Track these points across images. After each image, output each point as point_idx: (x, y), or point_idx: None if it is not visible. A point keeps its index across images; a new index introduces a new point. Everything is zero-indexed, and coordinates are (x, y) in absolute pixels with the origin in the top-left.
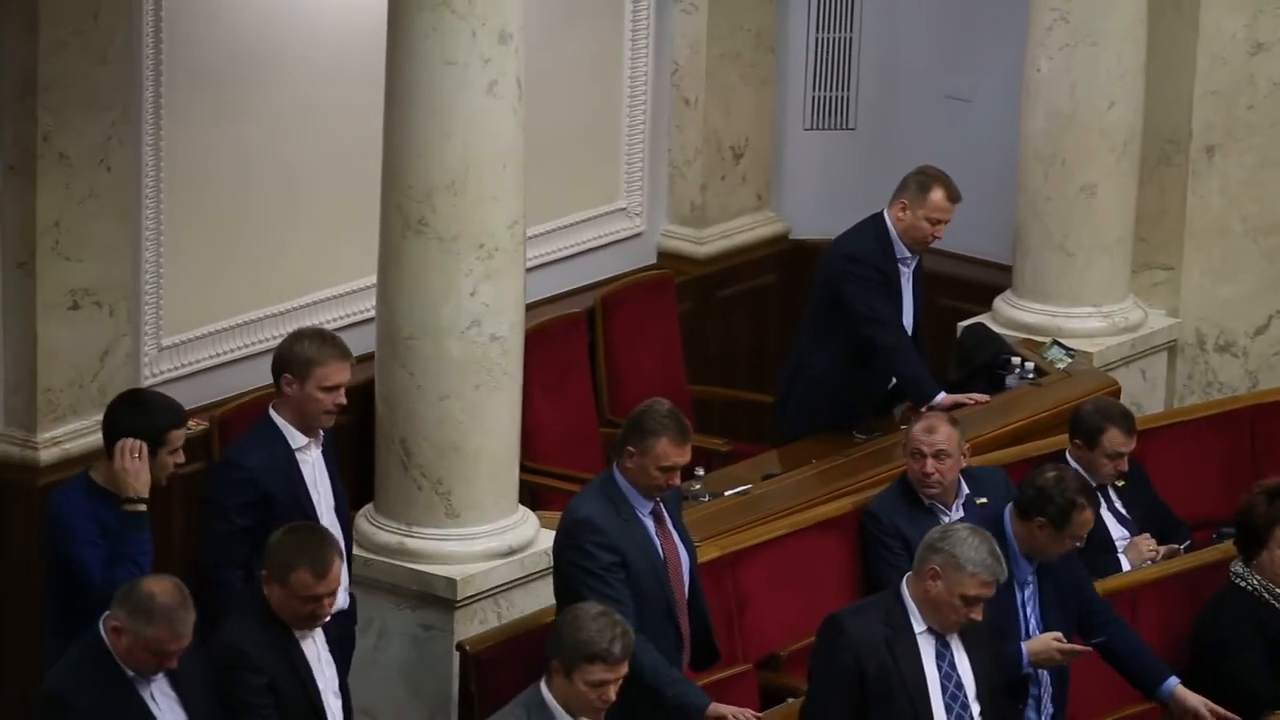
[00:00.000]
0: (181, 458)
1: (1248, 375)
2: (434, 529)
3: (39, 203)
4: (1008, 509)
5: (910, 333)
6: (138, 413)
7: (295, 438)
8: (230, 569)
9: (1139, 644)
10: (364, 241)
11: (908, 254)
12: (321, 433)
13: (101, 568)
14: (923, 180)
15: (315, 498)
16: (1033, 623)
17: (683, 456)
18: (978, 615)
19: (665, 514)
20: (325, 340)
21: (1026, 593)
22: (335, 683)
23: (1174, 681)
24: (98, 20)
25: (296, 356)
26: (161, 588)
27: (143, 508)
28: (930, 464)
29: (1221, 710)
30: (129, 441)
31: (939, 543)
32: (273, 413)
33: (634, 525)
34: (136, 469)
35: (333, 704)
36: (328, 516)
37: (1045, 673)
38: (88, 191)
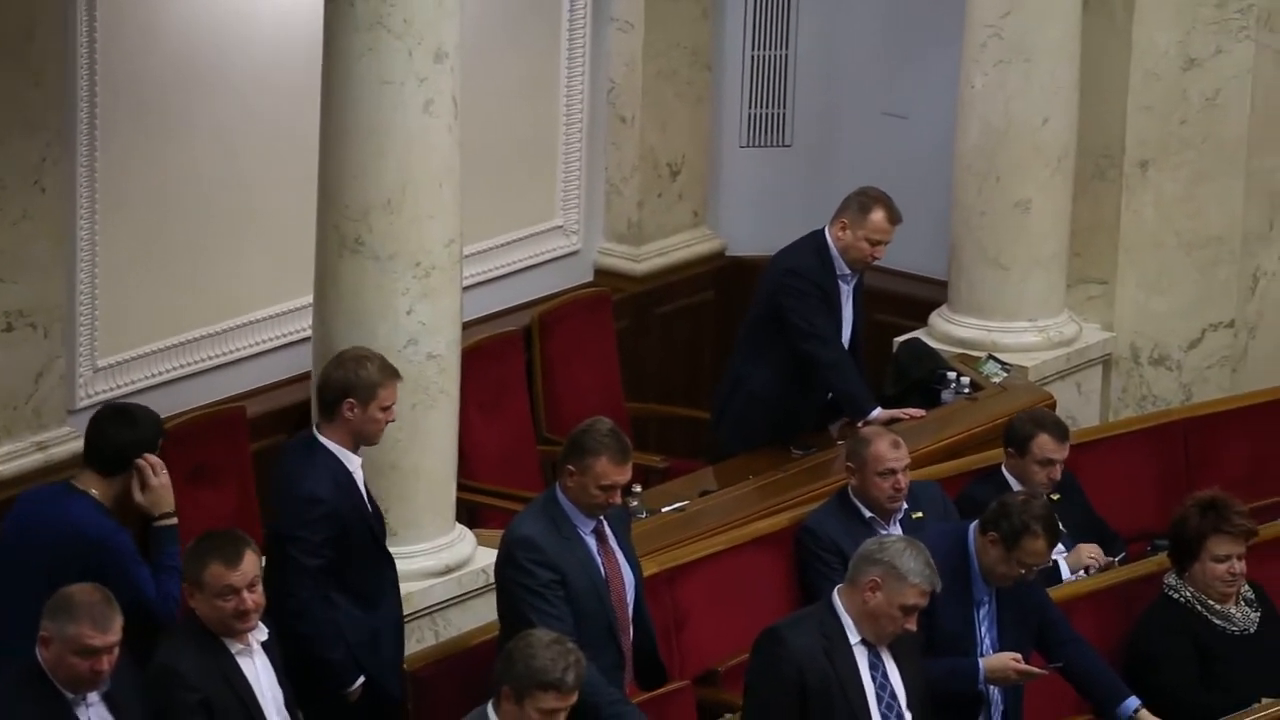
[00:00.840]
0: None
1: (1182, 388)
2: None
3: None
4: (972, 526)
5: (849, 349)
6: (128, 427)
7: (349, 460)
8: (317, 604)
9: (1099, 664)
10: (301, 260)
11: (847, 271)
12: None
13: (150, 585)
14: (864, 201)
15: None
16: (988, 641)
17: (623, 475)
18: (913, 625)
19: (608, 533)
20: (381, 363)
21: (982, 612)
22: (280, 700)
23: (1134, 703)
24: (32, 41)
25: (362, 382)
26: (80, 588)
27: (174, 520)
28: (901, 480)
29: None
30: (150, 459)
31: (877, 554)
32: (321, 437)
33: (575, 544)
34: (166, 483)
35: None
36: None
37: (997, 690)
38: (21, 213)
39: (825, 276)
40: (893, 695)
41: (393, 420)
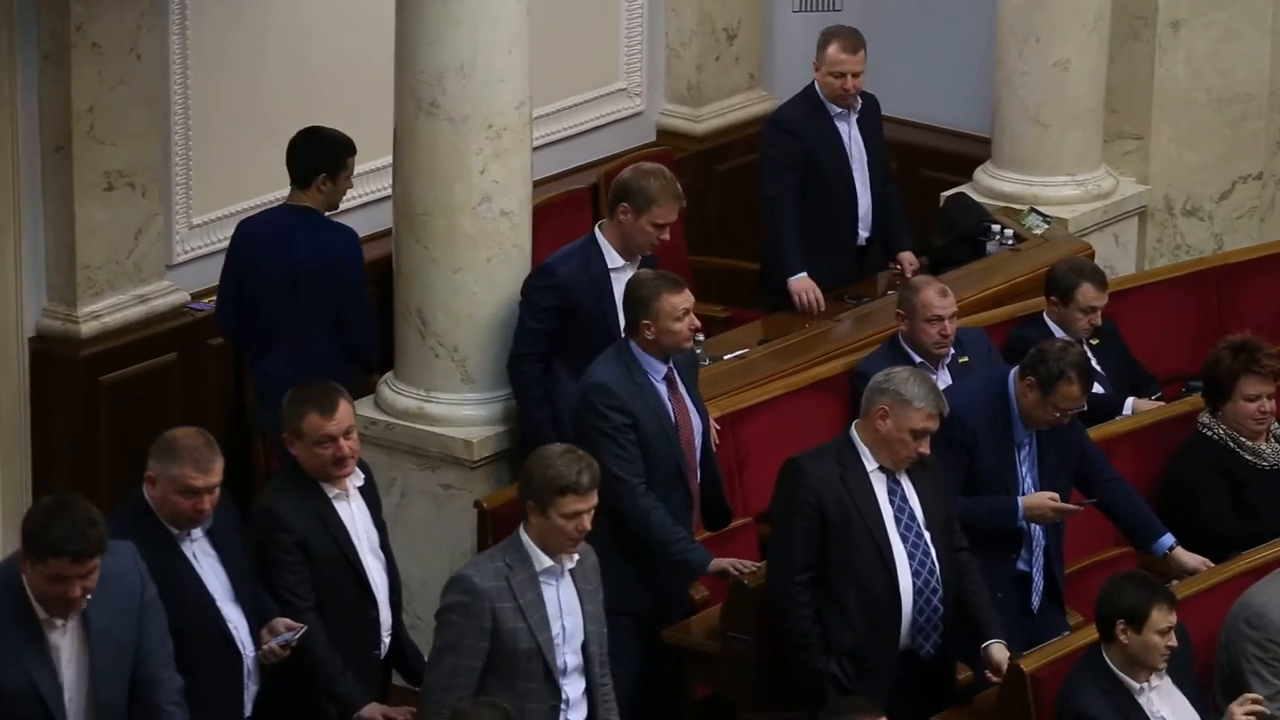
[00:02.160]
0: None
1: (1214, 238)
2: (451, 394)
3: (74, 89)
4: (1013, 372)
5: (870, 181)
6: (317, 145)
7: (613, 258)
8: (531, 362)
9: (1138, 502)
10: (380, 123)
11: (840, 109)
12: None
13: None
14: (822, 39)
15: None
16: (1029, 481)
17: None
18: (925, 448)
19: (678, 379)
20: (666, 181)
21: (1023, 453)
22: (375, 542)
23: (1169, 540)
24: None
25: (639, 190)
26: (184, 432)
27: None
28: (948, 326)
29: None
30: None
31: (884, 384)
32: (598, 232)
33: (646, 390)
34: None
35: (370, 561)
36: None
37: (1038, 528)
38: (119, 79)
39: (813, 121)
40: (911, 516)
41: (665, 239)
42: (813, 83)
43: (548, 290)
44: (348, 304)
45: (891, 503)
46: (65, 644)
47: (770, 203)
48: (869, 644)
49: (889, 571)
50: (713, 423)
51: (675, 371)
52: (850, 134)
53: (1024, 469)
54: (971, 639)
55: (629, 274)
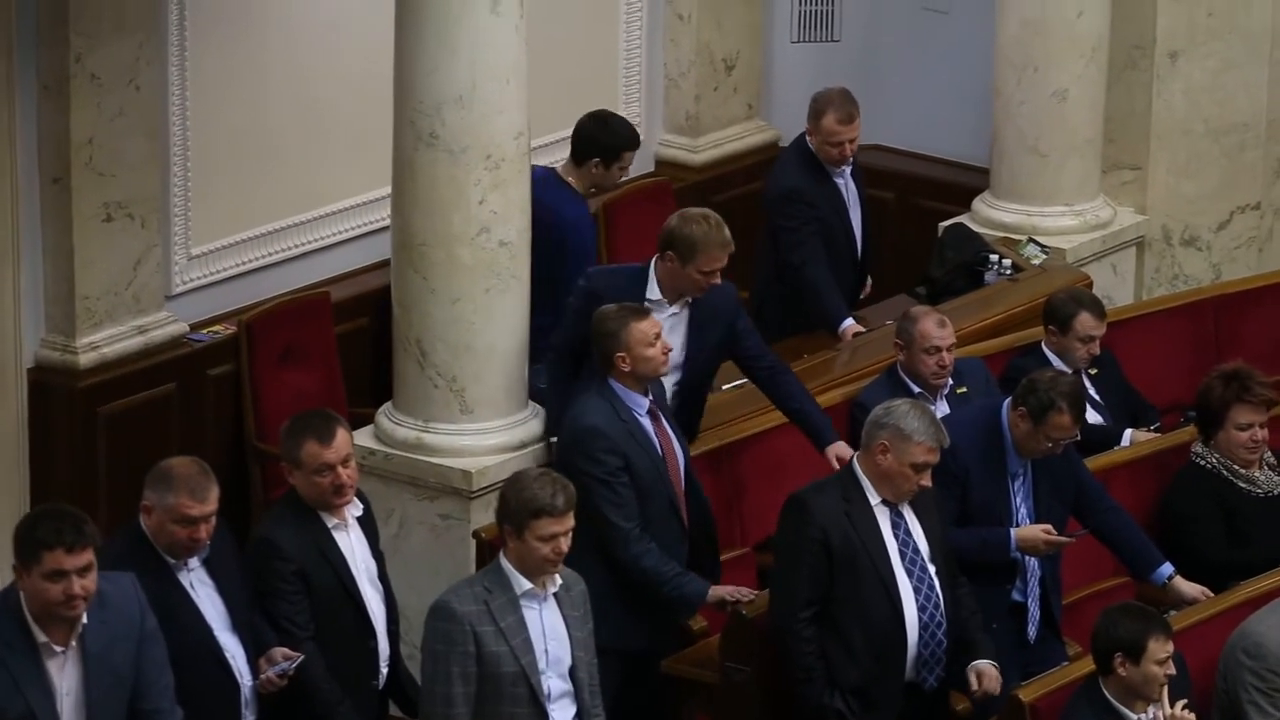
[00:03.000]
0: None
1: (1211, 268)
2: (449, 425)
3: (73, 121)
4: (1006, 401)
5: (862, 223)
6: (603, 131)
7: (653, 290)
8: (559, 357)
9: (1135, 531)
10: (379, 154)
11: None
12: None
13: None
14: (815, 107)
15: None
16: (1023, 512)
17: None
18: (927, 481)
19: (660, 412)
20: (710, 227)
21: (1017, 484)
22: (373, 572)
23: (1168, 569)
24: None
25: (683, 239)
26: (179, 461)
27: None
28: (946, 357)
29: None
30: None
31: (884, 419)
32: (652, 267)
33: (633, 427)
34: None
35: (369, 592)
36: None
37: (1034, 559)
38: (118, 110)
39: (818, 185)
40: (915, 550)
41: (714, 284)
42: (803, 136)
43: (582, 294)
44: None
45: (896, 536)
46: (63, 672)
47: (800, 268)
48: (874, 678)
49: (894, 606)
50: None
51: (656, 403)
52: (846, 185)
53: (1018, 499)
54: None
55: (666, 312)
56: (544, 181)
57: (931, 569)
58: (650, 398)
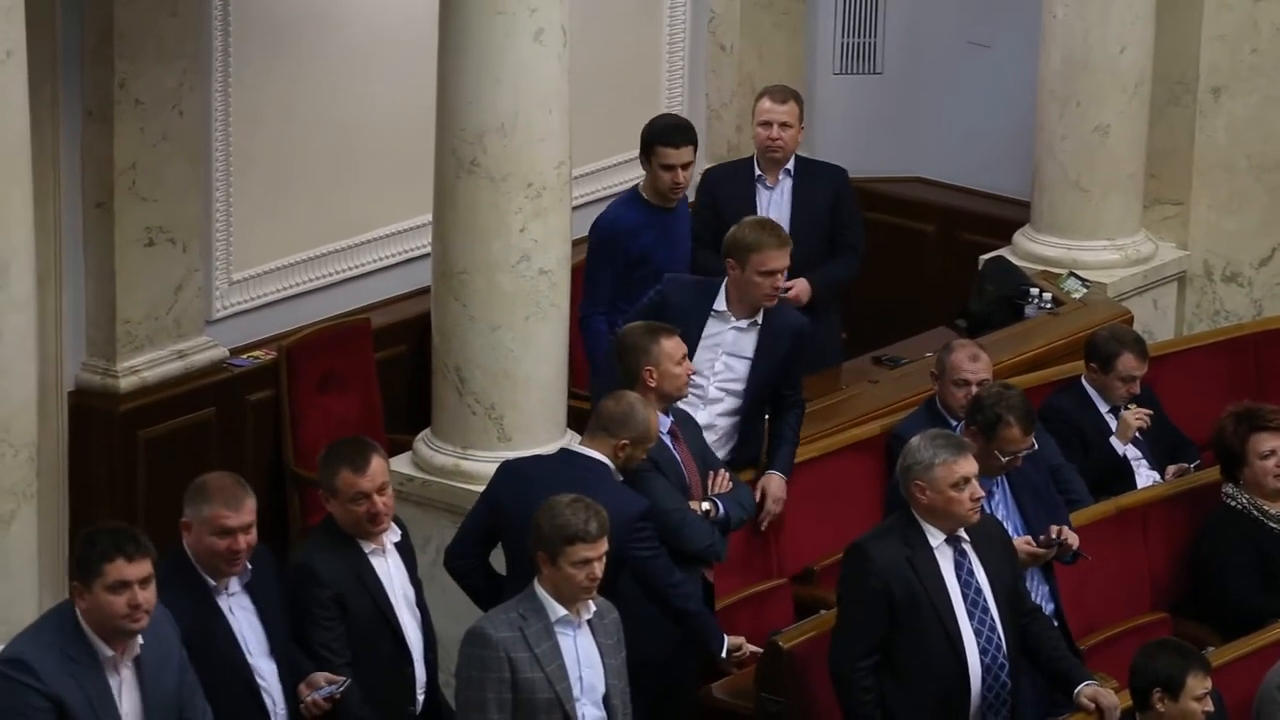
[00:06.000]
0: None
1: (1253, 304)
2: (487, 451)
3: (116, 146)
4: (960, 424)
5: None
6: (646, 128)
7: (721, 301)
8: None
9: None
10: (420, 181)
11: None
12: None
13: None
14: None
15: None
16: (1009, 526)
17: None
18: (979, 491)
19: (679, 432)
20: (761, 225)
21: (994, 501)
22: (411, 599)
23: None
24: None
25: (736, 242)
26: (213, 475)
27: None
28: (975, 390)
29: None
30: None
31: (903, 463)
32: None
33: (660, 447)
34: None
35: (406, 618)
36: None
37: (1041, 591)
38: (161, 135)
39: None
40: (977, 590)
41: (779, 287)
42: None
43: (654, 298)
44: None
45: (959, 577)
46: (122, 690)
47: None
48: None
49: (957, 655)
50: (722, 472)
51: (678, 425)
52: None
53: (1000, 515)
54: (1060, 690)
55: (729, 324)
56: (619, 200)
57: (994, 610)
58: (671, 418)
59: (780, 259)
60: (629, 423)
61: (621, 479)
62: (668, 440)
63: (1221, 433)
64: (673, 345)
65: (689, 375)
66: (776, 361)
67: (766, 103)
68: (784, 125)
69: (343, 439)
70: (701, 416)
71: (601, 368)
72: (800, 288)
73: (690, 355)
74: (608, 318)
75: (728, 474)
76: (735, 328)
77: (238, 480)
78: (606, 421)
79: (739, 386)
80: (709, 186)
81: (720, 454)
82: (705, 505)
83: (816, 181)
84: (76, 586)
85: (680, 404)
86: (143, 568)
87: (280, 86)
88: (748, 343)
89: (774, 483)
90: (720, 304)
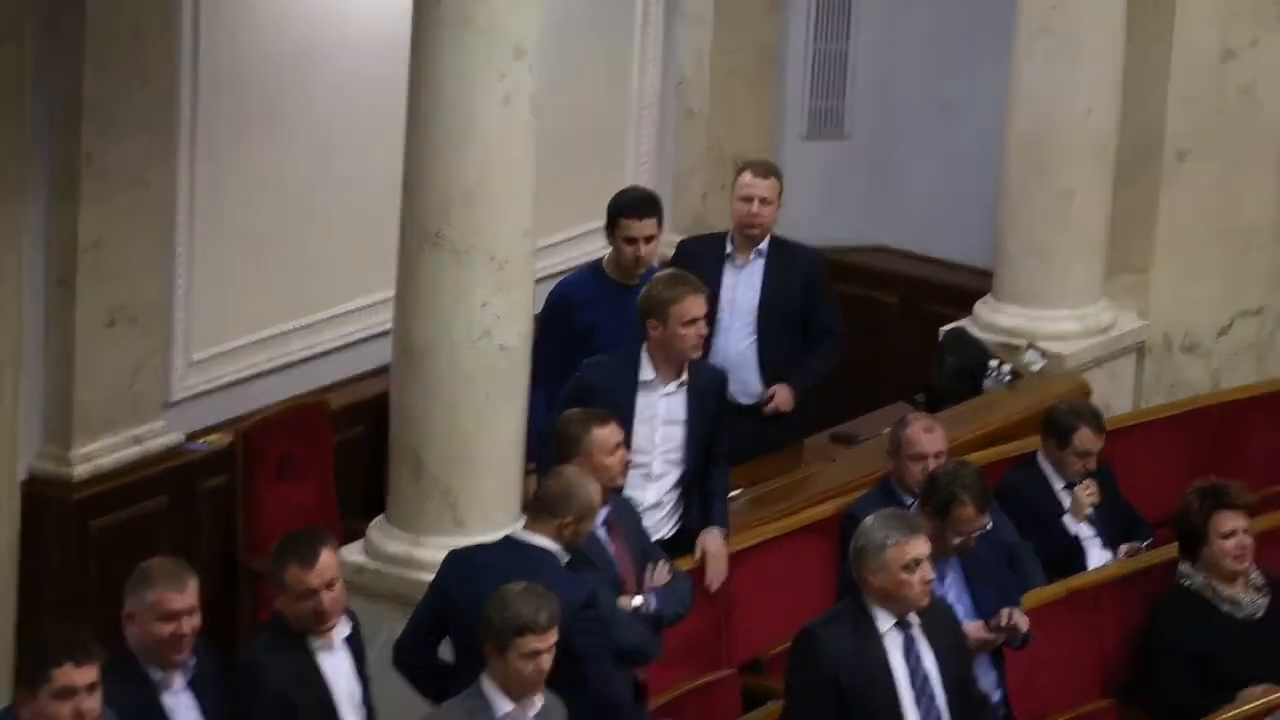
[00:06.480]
0: None
1: (1211, 375)
2: (441, 538)
3: (81, 221)
4: (915, 503)
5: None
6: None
7: (646, 372)
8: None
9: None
10: (383, 256)
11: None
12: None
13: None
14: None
15: None
16: (960, 609)
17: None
18: (930, 573)
19: (617, 524)
20: (678, 280)
21: (946, 583)
22: (357, 698)
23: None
24: (140, 40)
25: (653, 299)
26: (153, 560)
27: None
28: (933, 463)
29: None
30: None
31: (854, 545)
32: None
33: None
34: None
35: (350, 718)
36: None
37: (993, 673)
38: (127, 209)
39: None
40: (925, 679)
41: (703, 334)
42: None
43: (573, 387)
44: None
45: (906, 662)
46: None
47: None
48: None
49: None
50: (662, 564)
51: (615, 512)
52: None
53: (950, 596)
54: None
55: (660, 392)
56: (579, 269)
57: (941, 697)
58: (609, 508)
59: (700, 306)
60: (569, 500)
61: (569, 558)
62: (602, 533)
63: (1186, 508)
64: (605, 434)
65: (623, 463)
66: (707, 420)
67: (748, 176)
68: (764, 201)
69: (295, 531)
70: (649, 494)
71: (533, 447)
72: (781, 398)
73: (626, 434)
74: (546, 389)
75: (668, 565)
76: (665, 394)
77: (179, 562)
78: (547, 502)
79: (679, 454)
80: (679, 259)
81: (667, 529)
82: (636, 600)
83: (790, 262)
84: (21, 695)
85: (627, 482)
86: (90, 674)
87: (244, 159)
88: (679, 406)
89: (713, 540)
90: (646, 373)
